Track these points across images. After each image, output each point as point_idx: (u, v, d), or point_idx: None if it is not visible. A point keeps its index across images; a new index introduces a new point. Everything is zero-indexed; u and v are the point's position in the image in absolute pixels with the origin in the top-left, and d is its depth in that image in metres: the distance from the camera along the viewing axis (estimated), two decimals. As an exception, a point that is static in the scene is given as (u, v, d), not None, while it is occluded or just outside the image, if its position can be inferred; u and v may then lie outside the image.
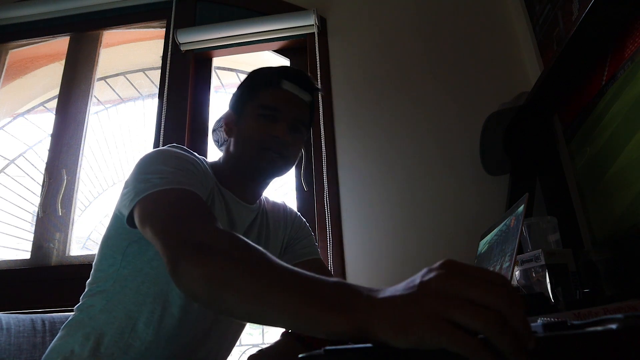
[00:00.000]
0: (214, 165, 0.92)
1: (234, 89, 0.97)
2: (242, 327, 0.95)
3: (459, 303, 0.33)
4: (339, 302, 0.40)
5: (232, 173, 0.91)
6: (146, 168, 0.74)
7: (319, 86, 0.98)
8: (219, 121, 0.96)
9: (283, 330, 0.82)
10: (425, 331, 0.32)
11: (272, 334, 1.85)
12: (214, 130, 0.97)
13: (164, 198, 0.68)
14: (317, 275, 0.45)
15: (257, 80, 0.93)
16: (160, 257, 0.77)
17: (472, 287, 0.33)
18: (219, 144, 1.30)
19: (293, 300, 0.43)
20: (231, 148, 0.92)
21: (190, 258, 0.53)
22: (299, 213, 1.07)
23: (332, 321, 0.38)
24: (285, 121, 0.89)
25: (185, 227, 0.61)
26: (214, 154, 1.73)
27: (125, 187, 0.77)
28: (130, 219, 0.73)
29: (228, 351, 0.93)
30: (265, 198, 1.03)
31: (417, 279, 0.36)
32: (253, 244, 0.55)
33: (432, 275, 0.35)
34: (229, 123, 0.95)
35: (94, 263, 0.83)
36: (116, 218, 0.80)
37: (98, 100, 2.05)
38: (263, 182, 0.94)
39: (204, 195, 0.74)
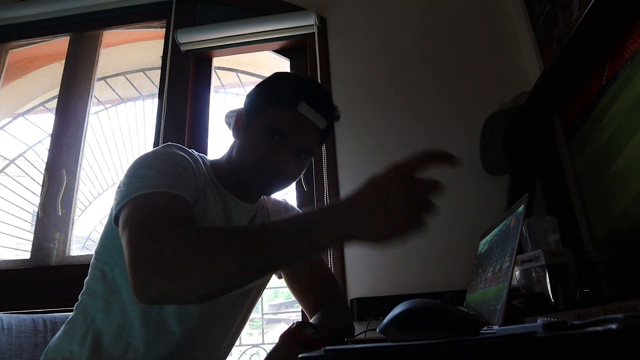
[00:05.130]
0: (215, 162, 0.91)
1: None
2: (242, 326, 0.95)
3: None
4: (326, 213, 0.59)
5: (231, 175, 0.89)
6: (134, 171, 0.74)
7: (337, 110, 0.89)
8: (231, 116, 0.90)
9: (282, 333, 0.81)
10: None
11: (272, 334, 1.85)
12: (227, 117, 0.91)
13: (141, 203, 0.67)
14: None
15: (274, 92, 0.85)
16: None
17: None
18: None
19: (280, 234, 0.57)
20: (234, 152, 0.88)
21: (147, 277, 0.57)
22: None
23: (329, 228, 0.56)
24: (291, 148, 0.82)
25: (151, 238, 0.60)
26: (214, 154, 1.73)
27: (117, 189, 0.76)
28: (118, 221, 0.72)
29: (227, 350, 0.93)
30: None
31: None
32: (224, 225, 0.61)
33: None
34: (238, 124, 0.88)
35: (91, 261, 0.83)
36: (111, 217, 0.79)
37: (98, 100, 2.05)
38: (260, 192, 0.92)
39: (189, 197, 0.73)
